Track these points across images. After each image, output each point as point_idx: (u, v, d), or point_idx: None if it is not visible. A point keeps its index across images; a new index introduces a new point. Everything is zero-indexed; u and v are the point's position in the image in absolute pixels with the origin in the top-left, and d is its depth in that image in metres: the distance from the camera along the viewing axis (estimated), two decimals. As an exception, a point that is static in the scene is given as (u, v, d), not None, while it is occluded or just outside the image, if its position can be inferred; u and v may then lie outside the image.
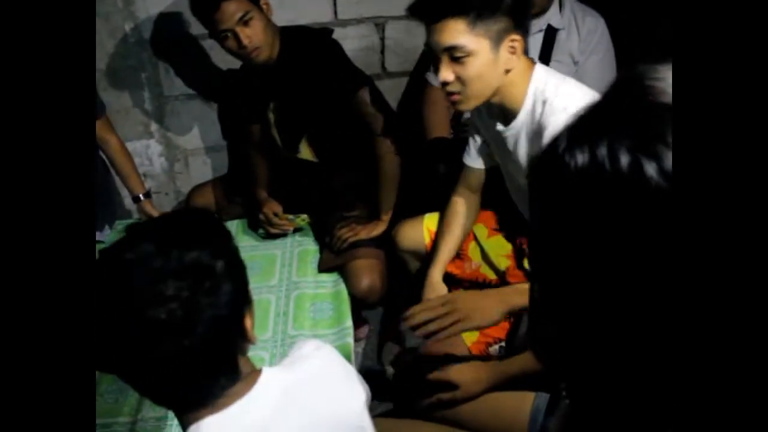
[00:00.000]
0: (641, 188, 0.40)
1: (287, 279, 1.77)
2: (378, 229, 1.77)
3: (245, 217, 2.01)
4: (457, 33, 1.15)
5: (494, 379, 1.21)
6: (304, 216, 1.87)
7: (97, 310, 0.66)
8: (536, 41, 1.78)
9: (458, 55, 1.17)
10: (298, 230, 1.92)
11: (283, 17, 2.03)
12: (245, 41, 1.60)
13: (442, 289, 1.51)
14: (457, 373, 1.22)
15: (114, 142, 1.91)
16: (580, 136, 0.45)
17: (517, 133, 1.31)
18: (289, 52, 1.71)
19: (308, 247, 1.89)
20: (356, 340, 1.77)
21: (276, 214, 1.86)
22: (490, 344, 1.46)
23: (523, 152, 1.32)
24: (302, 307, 1.67)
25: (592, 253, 0.43)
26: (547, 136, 1.18)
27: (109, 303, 0.69)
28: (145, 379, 0.74)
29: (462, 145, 1.63)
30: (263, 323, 1.62)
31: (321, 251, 1.85)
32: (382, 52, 2.24)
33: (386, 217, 1.78)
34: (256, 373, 0.80)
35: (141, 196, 1.98)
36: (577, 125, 0.47)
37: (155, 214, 2.00)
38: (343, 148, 1.84)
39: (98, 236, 1.95)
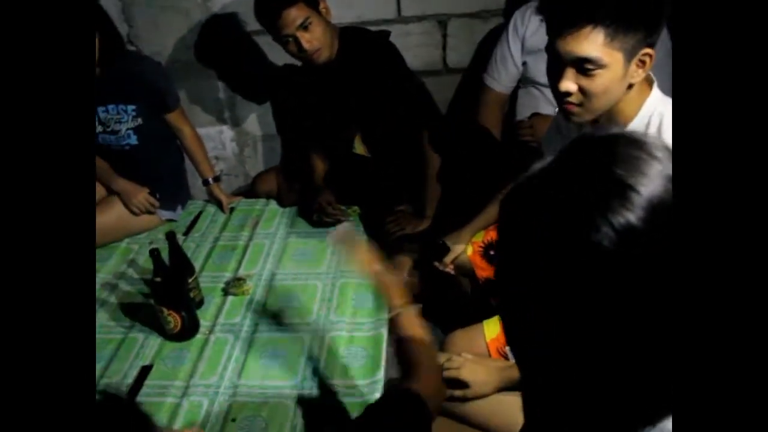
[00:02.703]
0: (591, 252, 0.44)
1: (335, 267, 1.89)
2: (422, 225, 1.85)
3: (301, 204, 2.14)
4: (594, 45, 1.05)
5: (504, 382, 1.27)
6: (355, 207, 1.98)
7: None
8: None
9: (588, 67, 1.07)
10: (348, 221, 2.03)
11: (348, 15, 2.13)
12: (306, 45, 1.70)
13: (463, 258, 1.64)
14: (470, 372, 1.30)
15: (187, 131, 2.09)
16: (534, 199, 0.50)
17: None
18: (347, 53, 1.80)
19: (358, 237, 2.00)
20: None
21: (330, 204, 1.97)
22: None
23: None
24: (346, 295, 1.78)
25: (549, 311, 0.48)
26: None
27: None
28: None
29: (513, 150, 1.67)
30: (308, 307, 1.75)
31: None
32: (444, 48, 2.28)
33: (430, 214, 1.85)
34: None
35: (210, 179, 2.17)
36: (533, 189, 0.51)
37: (222, 197, 2.18)
38: (394, 145, 1.92)
39: (171, 215, 2.15)
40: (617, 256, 0.44)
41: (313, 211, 2.02)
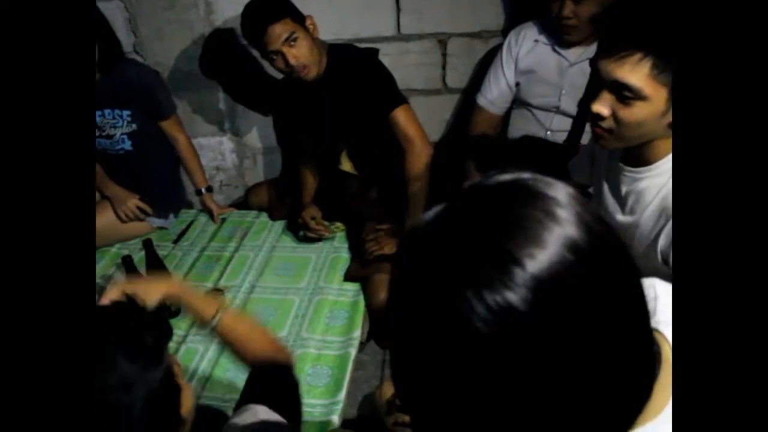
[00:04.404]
0: (461, 330, 0.39)
1: (315, 283, 1.88)
2: (402, 245, 1.82)
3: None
4: (638, 74, 0.98)
5: None
6: (339, 224, 1.96)
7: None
8: (583, 70, 1.73)
9: (627, 95, 1.00)
10: (333, 237, 2.02)
11: (346, 32, 2.13)
12: (292, 60, 1.70)
13: None
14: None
15: (182, 140, 2.12)
16: (414, 255, 0.45)
17: (646, 182, 1.13)
18: (334, 69, 1.79)
19: (341, 254, 1.98)
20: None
21: (314, 219, 1.97)
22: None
23: (647, 202, 1.13)
24: (320, 313, 1.77)
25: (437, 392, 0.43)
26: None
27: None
28: None
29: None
30: (281, 322, 1.74)
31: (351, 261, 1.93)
32: (444, 67, 2.26)
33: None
34: None
35: (203, 189, 2.19)
36: (417, 242, 0.46)
37: (214, 207, 2.19)
38: (380, 163, 1.90)
39: (163, 223, 2.17)
40: (491, 338, 0.38)
41: (299, 226, 2.02)
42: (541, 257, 0.39)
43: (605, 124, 1.05)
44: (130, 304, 0.77)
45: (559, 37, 1.80)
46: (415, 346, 0.44)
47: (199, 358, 1.64)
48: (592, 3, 1.67)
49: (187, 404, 0.77)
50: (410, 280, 0.44)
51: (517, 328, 0.39)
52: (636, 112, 1.00)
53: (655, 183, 1.11)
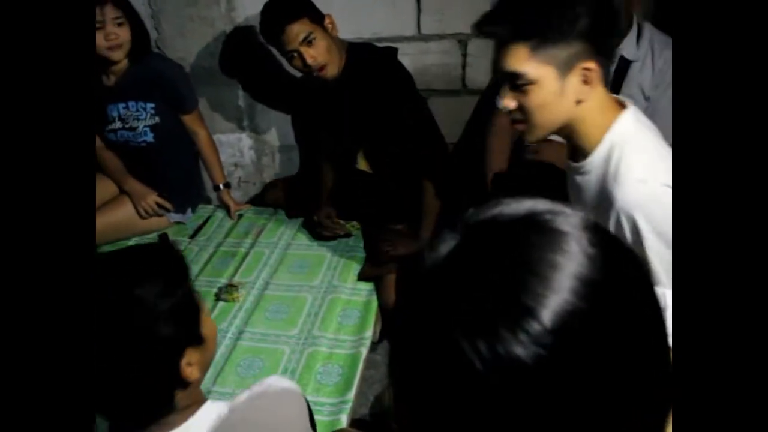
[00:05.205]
0: (463, 374, 0.39)
1: (328, 281, 1.88)
2: (416, 247, 1.81)
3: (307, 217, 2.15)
4: (518, 60, 1.01)
5: None
6: (354, 223, 1.96)
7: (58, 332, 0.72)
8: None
9: (519, 83, 1.03)
10: (348, 236, 2.02)
11: (366, 31, 2.13)
12: (309, 60, 1.71)
13: None
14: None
15: (202, 135, 2.14)
16: (422, 291, 0.44)
17: (586, 177, 1.14)
18: (352, 68, 1.79)
19: (356, 253, 1.98)
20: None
21: (329, 218, 1.97)
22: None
23: (589, 197, 1.16)
24: (333, 311, 1.77)
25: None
26: (614, 206, 1.04)
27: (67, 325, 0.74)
28: (97, 398, 0.77)
29: (518, 179, 1.61)
30: (294, 319, 1.74)
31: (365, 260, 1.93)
32: (464, 68, 2.24)
33: (426, 236, 1.81)
34: (196, 405, 0.83)
35: (221, 185, 2.20)
36: (426, 277, 0.45)
37: (231, 203, 2.21)
38: (396, 163, 1.90)
39: (180, 218, 2.19)
40: (494, 387, 0.38)
41: (314, 224, 2.02)
42: (553, 304, 0.38)
43: (516, 117, 1.09)
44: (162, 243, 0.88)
45: None
46: (417, 386, 0.43)
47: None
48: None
49: (209, 326, 0.86)
50: (416, 321, 0.43)
51: (523, 380, 0.38)
52: (533, 98, 1.04)
53: (593, 175, 1.12)
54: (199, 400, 0.85)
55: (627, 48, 1.71)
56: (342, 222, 1.97)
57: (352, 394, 1.50)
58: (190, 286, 0.83)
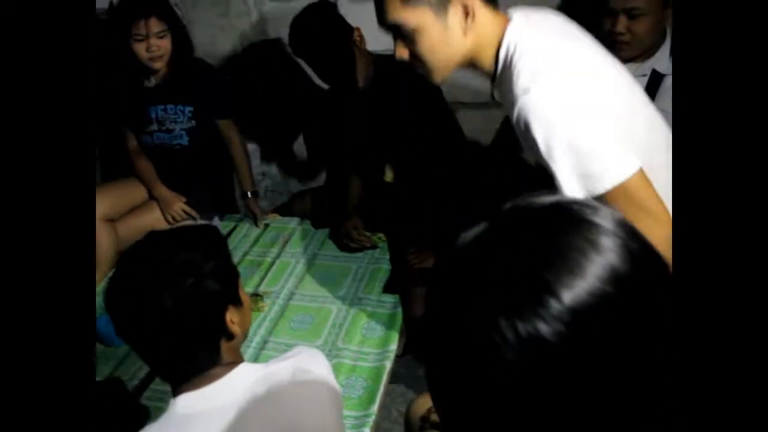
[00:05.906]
0: (488, 355, 0.40)
1: (354, 293, 1.87)
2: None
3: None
4: (393, 10, 1.04)
5: None
6: (381, 235, 1.96)
7: (115, 292, 0.89)
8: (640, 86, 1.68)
9: (404, 33, 1.06)
10: (374, 247, 2.01)
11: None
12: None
13: None
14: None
15: (236, 142, 2.17)
16: (451, 275, 0.45)
17: (504, 100, 1.13)
18: (379, 80, 1.79)
19: (382, 266, 1.97)
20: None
21: (356, 229, 1.96)
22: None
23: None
24: (357, 323, 1.75)
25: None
26: (514, 116, 1.02)
27: (123, 286, 0.89)
28: (144, 350, 0.92)
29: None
30: (318, 331, 1.74)
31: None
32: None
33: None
34: (236, 363, 0.93)
35: (249, 193, 2.22)
36: (456, 262, 0.47)
37: (257, 211, 2.22)
38: (424, 175, 1.89)
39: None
40: (518, 367, 0.38)
41: (341, 236, 2.02)
42: (578, 288, 0.39)
43: (417, 66, 1.11)
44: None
45: (611, 53, 1.75)
46: (446, 366, 0.44)
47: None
48: (648, 19, 1.62)
49: (245, 297, 0.98)
50: (445, 301, 0.44)
51: (545, 359, 0.38)
52: (421, 43, 1.05)
53: (506, 94, 1.09)
54: (238, 361, 0.95)
55: (660, 61, 1.68)
56: (368, 234, 1.96)
57: (375, 408, 1.49)
58: (228, 253, 0.97)
